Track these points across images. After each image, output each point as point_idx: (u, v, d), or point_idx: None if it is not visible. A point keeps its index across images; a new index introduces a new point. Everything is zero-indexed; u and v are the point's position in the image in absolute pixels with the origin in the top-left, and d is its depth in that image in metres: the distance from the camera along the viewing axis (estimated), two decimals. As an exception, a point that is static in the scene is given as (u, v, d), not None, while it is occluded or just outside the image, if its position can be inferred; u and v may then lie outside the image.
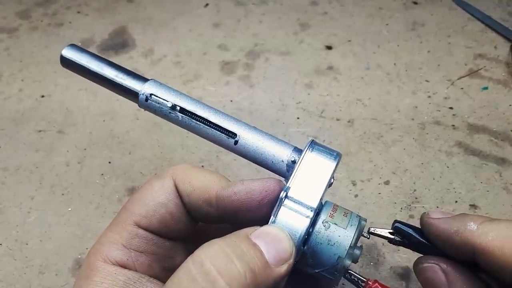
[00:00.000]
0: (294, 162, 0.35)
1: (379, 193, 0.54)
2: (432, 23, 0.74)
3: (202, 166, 0.58)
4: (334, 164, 0.34)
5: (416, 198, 0.54)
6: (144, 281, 0.33)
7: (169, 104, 0.36)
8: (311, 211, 0.32)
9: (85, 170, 0.58)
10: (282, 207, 0.32)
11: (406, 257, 0.49)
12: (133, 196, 0.35)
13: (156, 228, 0.34)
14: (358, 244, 0.35)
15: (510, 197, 0.53)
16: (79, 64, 0.39)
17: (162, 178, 0.35)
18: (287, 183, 0.34)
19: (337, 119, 0.62)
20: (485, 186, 0.55)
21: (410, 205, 0.53)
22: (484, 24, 0.73)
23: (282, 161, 0.35)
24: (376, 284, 0.35)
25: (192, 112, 0.36)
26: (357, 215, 0.35)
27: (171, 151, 0.59)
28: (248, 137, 0.36)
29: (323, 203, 0.35)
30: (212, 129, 0.36)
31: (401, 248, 0.50)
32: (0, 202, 0.55)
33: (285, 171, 0.35)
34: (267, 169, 0.36)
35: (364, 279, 0.35)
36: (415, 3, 0.77)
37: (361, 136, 0.60)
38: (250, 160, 0.37)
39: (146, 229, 0.34)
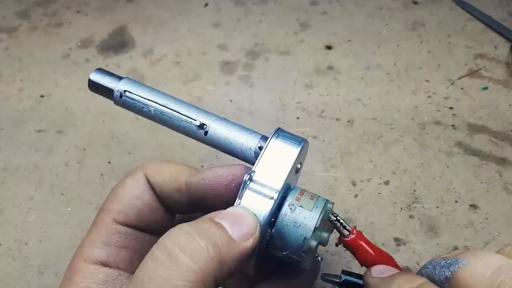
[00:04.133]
0: (261, 148, 0.36)
1: (379, 193, 0.54)
2: (432, 23, 0.74)
3: (202, 166, 0.58)
4: (298, 149, 0.35)
5: (416, 198, 0.54)
6: (124, 278, 0.33)
7: (151, 105, 0.38)
8: (275, 192, 0.33)
9: (84, 170, 0.58)
10: (246, 190, 0.33)
11: (406, 257, 0.49)
12: (108, 196, 0.36)
13: (134, 222, 0.35)
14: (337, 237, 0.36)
15: (510, 197, 0.53)
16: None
17: (133, 174, 0.36)
18: None
19: (337, 119, 0.62)
20: (485, 186, 0.55)
21: (410, 205, 0.53)
22: (484, 24, 0.73)
23: (250, 148, 0.36)
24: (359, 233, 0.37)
25: (164, 107, 0.39)
26: (325, 199, 0.35)
27: (171, 151, 0.59)
28: (217, 128, 0.37)
29: (291, 188, 0.36)
30: (183, 121, 0.38)
31: (400, 248, 0.50)
32: (-1, 202, 0.55)
33: (254, 159, 0.37)
34: (238, 158, 0.38)
35: (349, 224, 0.37)
36: (415, 3, 0.77)
37: (361, 136, 0.60)
38: (220, 150, 0.38)
39: (124, 224, 0.35)
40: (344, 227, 0.37)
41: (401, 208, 0.53)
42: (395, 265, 0.36)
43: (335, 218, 0.36)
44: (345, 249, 0.38)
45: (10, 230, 0.53)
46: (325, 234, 0.34)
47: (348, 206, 0.53)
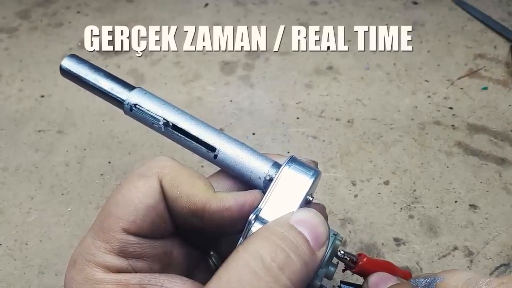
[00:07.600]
0: (270, 180, 0.34)
1: (379, 193, 0.54)
2: (432, 23, 0.74)
3: (202, 166, 0.58)
4: (310, 182, 0.33)
5: (415, 198, 0.54)
6: (158, 276, 0.32)
7: (161, 122, 0.36)
8: None
9: (84, 170, 0.58)
10: (251, 229, 0.32)
11: (406, 257, 0.49)
12: (114, 197, 0.33)
13: (147, 232, 0.33)
14: (335, 261, 0.36)
15: (509, 197, 0.53)
16: (78, 75, 0.39)
17: (146, 176, 0.33)
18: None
19: (337, 119, 0.62)
20: (484, 186, 0.55)
21: (409, 205, 0.53)
22: (484, 24, 0.73)
23: (259, 178, 0.35)
24: (366, 258, 0.37)
25: (175, 125, 0.36)
26: (334, 233, 0.34)
27: (171, 151, 0.59)
28: (227, 152, 0.36)
29: None
30: (193, 143, 0.36)
31: (400, 248, 0.50)
32: (-1, 202, 0.55)
33: (263, 188, 0.35)
34: (246, 184, 0.36)
35: (355, 255, 0.37)
36: (415, 3, 0.77)
37: (361, 136, 0.60)
38: (229, 174, 0.37)
39: (137, 234, 0.32)
40: (351, 260, 0.36)
41: (401, 208, 0.53)
42: (401, 274, 0.37)
43: (342, 254, 0.36)
44: (352, 273, 0.38)
45: (10, 230, 0.53)
46: (331, 269, 0.34)
47: (348, 206, 0.54)
